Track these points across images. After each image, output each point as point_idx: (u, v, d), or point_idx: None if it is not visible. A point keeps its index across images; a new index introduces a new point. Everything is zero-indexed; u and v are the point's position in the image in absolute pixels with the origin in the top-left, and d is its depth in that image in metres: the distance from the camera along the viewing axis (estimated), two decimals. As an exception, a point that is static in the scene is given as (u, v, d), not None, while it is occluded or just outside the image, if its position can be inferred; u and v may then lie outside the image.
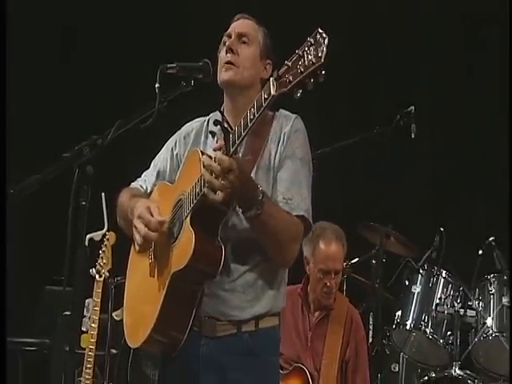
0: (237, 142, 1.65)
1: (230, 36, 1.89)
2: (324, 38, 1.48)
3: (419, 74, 4.29)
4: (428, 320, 3.16)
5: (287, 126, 1.84)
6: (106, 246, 2.96)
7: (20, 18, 4.38)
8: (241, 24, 1.90)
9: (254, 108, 1.62)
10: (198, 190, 1.69)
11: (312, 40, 1.50)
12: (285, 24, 3.74)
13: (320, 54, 1.47)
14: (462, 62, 4.14)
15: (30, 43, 4.51)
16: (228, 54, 1.85)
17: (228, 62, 1.84)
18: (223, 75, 1.84)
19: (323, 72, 1.48)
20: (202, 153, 1.76)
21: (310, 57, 1.48)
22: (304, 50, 1.51)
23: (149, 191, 1.94)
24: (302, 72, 1.50)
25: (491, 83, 4.00)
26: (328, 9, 4.13)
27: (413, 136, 3.28)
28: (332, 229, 2.77)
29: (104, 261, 2.97)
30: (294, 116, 1.87)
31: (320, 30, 1.49)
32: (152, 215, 1.76)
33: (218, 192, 1.62)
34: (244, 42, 1.86)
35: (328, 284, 2.73)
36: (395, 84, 4.24)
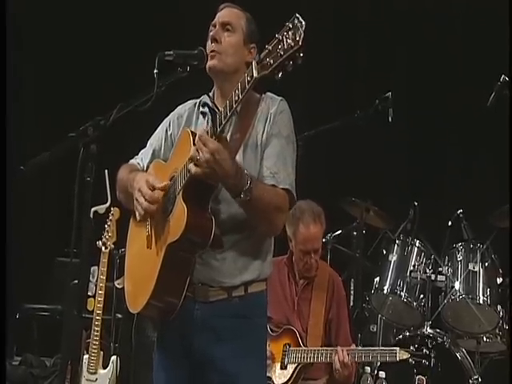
0: (223, 123, 1.63)
1: (214, 26, 1.85)
2: (301, 23, 1.45)
3: (397, 62, 4.27)
4: (403, 285, 3.18)
5: (273, 107, 1.82)
6: (111, 220, 2.97)
7: (24, 5, 4.32)
8: (224, 13, 1.87)
9: (238, 90, 1.60)
10: (188, 168, 1.66)
11: (290, 25, 1.47)
12: (271, 11, 3.69)
13: (298, 38, 1.45)
14: (438, 50, 4.11)
15: (36, 32, 4.45)
16: (212, 44, 1.82)
17: (212, 51, 1.81)
18: (208, 63, 1.82)
19: (301, 55, 1.46)
20: (193, 133, 1.75)
21: (288, 41, 1.46)
22: (283, 35, 1.48)
23: (145, 168, 1.92)
24: (281, 55, 1.48)
25: (464, 70, 3.99)
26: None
27: (390, 119, 3.27)
28: (310, 211, 2.70)
29: (109, 234, 2.98)
30: (279, 98, 1.85)
31: (297, 15, 1.47)
32: (151, 188, 1.74)
33: (196, 166, 1.61)
34: (227, 30, 1.83)
35: (308, 262, 2.74)
36: (374, 71, 4.21)
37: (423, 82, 4.10)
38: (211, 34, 1.84)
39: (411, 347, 2.82)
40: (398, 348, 2.59)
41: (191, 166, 1.62)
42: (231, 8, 1.88)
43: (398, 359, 2.56)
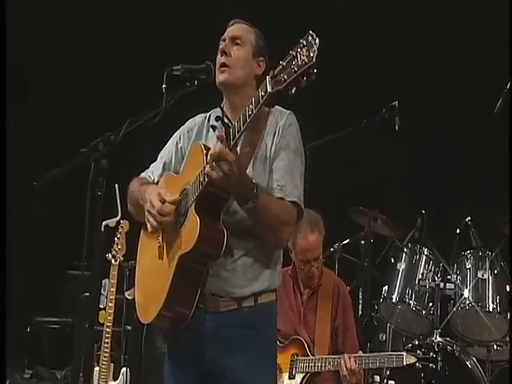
0: (236, 136, 1.66)
1: (224, 40, 1.90)
2: (315, 40, 1.50)
3: (403, 71, 4.30)
4: (412, 293, 3.19)
5: (282, 120, 1.85)
6: (120, 233, 3.00)
7: (36, 18, 4.40)
8: (234, 28, 1.92)
9: (251, 105, 1.64)
10: (201, 180, 1.70)
11: (304, 42, 1.52)
12: (279, 26, 3.74)
13: (312, 55, 1.49)
14: (444, 58, 4.14)
15: (45, 47, 4.53)
16: (222, 57, 1.86)
17: (222, 65, 1.85)
18: (219, 77, 1.86)
19: (315, 71, 1.50)
20: (204, 146, 1.78)
21: (302, 57, 1.50)
22: (297, 51, 1.52)
23: (156, 181, 1.95)
24: (295, 71, 1.52)
25: (470, 77, 4.02)
26: (318, 8, 4.14)
27: (396, 128, 3.30)
28: (307, 220, 2.67)
29: (119, 246, 3.00)
30: (288, 112, 1.88)
31: (311, 33, 1.51)
32: (162, 201, 1.77)
33: (214, 174, 1.64)
34: (237, 44, 1.87)
35: (309, 271, 2.76)
36: (381, 81, 4.24)
37: (429, 91, 4.13)
38: (221, 47, 1.88)
39: (418, 351, 2.82)
40: (404, 353, 2.60)
41: (209, 171, 1.64)
42: (240, 24, 1.93)
43: (404, 363, 2.56)
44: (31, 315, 4.12)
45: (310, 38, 1.51)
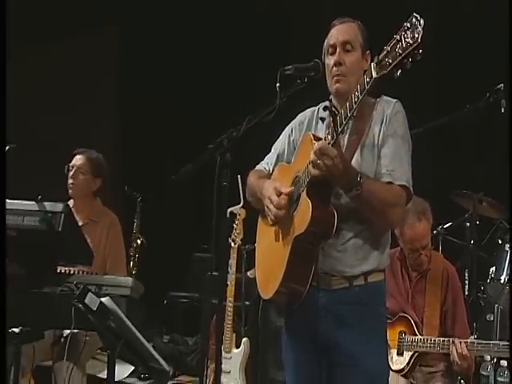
0: (343, 123, 1.66)
1: (334, 47, 1.82)
2: (419, 21, 1.44)
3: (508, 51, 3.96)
4: (522, 275, 2.98)
5: (389, 109, 1.82)
6: (238, 219, 3.13)
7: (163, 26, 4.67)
8: (342, 31, 1.83)
9: (357, 91, 1.62)
10: (309, 169, 1.73)
11: (408, 24, 1.46)
12: (378, 15, 3.63)
13: (416, 36, 1.43)
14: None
15: (174, 51, 4.81)
16: (335, 68, 1.80)
17: (337, 75, 1.82)
18: (334, 87, 1.82)
19: (420, 51, 1.44)
20: (314, 136, 1.81)
21: (407, 39, 1.45)
22: (401, 35, 1.48)
23: (271, 171, 2.01)
24: (400, 54, 1.47)
25: None
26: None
27: (503, 110, 3.07)
28: (414, 209, 2.55)
29: (237, 231, 3.14)
30: (394, 100, 1.85)
31: (415, 15, 1.45)
32: (279, 194, 1.82)
33: (316, 169, 1.66)
34: (348, 51, 1.81)
35: (418, 258, 2.65)
36: (484, 62, 3.95)
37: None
38: (335, 58, 1.81)
39: None
40: None
41: (311, 169, 1.68)
42: (345, 23, 1.87)
43: None
44: (167, 290, 4.49)
45: (414, 19, 1.45)
